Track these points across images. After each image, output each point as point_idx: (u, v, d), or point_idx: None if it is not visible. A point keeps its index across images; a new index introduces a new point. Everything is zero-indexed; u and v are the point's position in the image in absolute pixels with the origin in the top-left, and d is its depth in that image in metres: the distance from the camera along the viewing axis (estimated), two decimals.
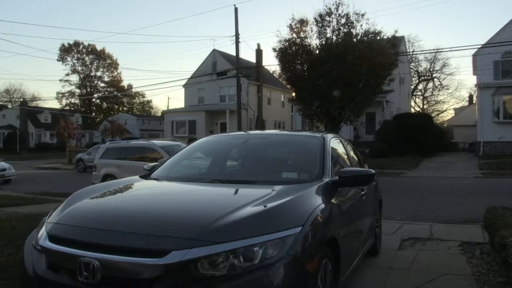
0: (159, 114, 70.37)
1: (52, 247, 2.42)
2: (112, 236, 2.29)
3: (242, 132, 5.38)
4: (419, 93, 55.32)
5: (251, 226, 2.26)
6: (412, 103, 49.25)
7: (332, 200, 3.01)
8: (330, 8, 19.23)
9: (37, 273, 2.41)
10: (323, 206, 2.74)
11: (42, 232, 2.61)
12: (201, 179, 3.58)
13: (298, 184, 3.11)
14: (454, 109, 51.34)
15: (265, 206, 2.49)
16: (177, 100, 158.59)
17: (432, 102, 56.43)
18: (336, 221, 2.91)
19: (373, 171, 3.53)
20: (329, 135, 4.07)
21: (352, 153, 4.72)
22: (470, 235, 6.14)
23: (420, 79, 53.98)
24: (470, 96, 47.26)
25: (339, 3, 19.12)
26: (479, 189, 12.28)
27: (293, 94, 23.38)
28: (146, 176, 3.81)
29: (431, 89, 55.69)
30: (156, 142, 13.01)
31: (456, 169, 18.72)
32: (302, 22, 19.98)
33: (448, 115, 53.94)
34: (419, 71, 53.06)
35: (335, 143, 4.08)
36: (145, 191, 3.36)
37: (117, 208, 2.83)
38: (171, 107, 57.99)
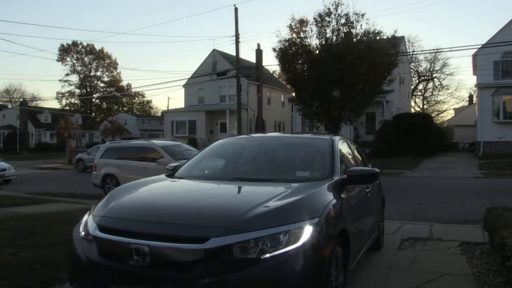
0: (159, 114, 70.35)
1: (103, 237, 2.76)
2: (159, 226, 2.66)
3: (256, 135, 5.77)
4: (419, 93, 55.35)
5: (276, 217, 2.66)
6: (412, 103, 49.29)
7: (342, 196, 3.36)
8: (329, 8, 19.21)
9: (90, 259, 2.75)
10: (335, 201, 3.11)
11: (91, 224, 2.92)
12: (223, 178, 3.90)
13: (311, 182, 3.46)
14: (454, 109, 51.33)
15: (286, 201, 2.87)
16: (177, 100, 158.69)
17: (432, 102, 56.47)
18: (345, 215, 3.28)
19: (378, 170, 3.91)
20: (337, 137, 4.41)
21: (356, 153, 5.02)
22: (470, 235, 6.15)
23: (420, 79, 53.98)
24: (470, 96, 47.25)
25: (338, 3, 19.09)
26: (479, 189, 12.28)
27: (293, 94, 23.36)
28: (171, 175, 4.16)
29: (431, 89, 55.74)
30: (156, 142, 13.01)
31: (456, 169, 18.73)
32: (302, 22, 19.96)
33: (448, 115, 54.00)
34: (419, 71, 53.10)
35: (342, 144, 4.40)
36: (177, 188, 3.74)
37: (158, 202, 3.26)
38: (171, 107, 58.04)
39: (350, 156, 4.61)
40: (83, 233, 2.98)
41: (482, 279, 4.23)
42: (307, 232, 2.61)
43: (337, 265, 2.96)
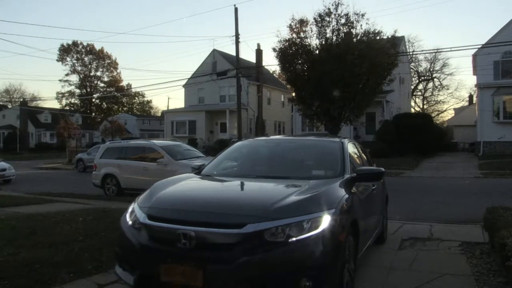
0: (159, 114, 70.35)
1: (153, 224, 3.21)
2: (202, 215, 3.15)
3: (273, 137, 6.35)
4: (419, 93, 55.32)
5: (300, 208, 3.14)
6: (412, 103, 49.26)
7: (352, 192, 3.83)
8: (329, 8, 19.21)
9: (141, 243, 3.19)
10: (347, 196, 3.59)
11: (140, 214, 3.37)
12: (247, 175, 4.30)
13: (325, 179, 3.93)
14: (454, 109, 51.30)
15: (307, 195, 3.37)
16: (177, 100, 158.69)
17: (432, 102, 56.43)
18: (356, 208, 3.75)
19: (383, 169, 4.44)
20: (346, 140, 4.91)
21: (362, 154, 5.48)
22: (470, 235, 6.15)
23: (420, 79, 53.95)
24: (470, 96, 47.24)
25: (338, 3, 19.09)
26: (479, 189, 12.28)
27: (293, 94, 23.36)
28: (198, 173, 4.63)
29: (431, 89, 55.69)
30: (156, 142, 13.00)
31: (456, 169, 18.72)
32: (302, 22, 19.95)
33: (448, 115, 53.96)
34: (419, 71, 53.06)
35: (351, 146, 4.89)
36: (211, 184, 4.29)
37: (198, 195, 3.81)
38: (171, 107, 58.06)
39: (357, 156, 5.09)
40: (130, 222, 3.44)
41: (482, 279, 4.23)
42: (326, 220, 3.07)
43: (349, 252, 3.42)
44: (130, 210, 3.61)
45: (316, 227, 3.01)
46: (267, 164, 4.65)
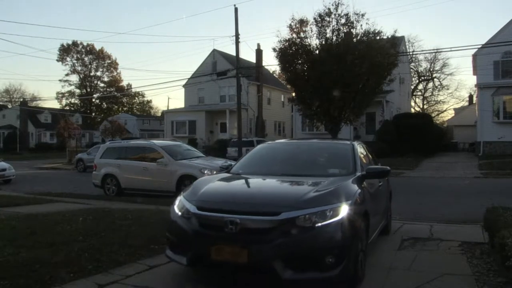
0: (159, 114, 70.33)
1: (203, 214, 3.87)
2: (244, 206, 3.82)
3: (291, 141, 6.92)
4: (419, 93, 55.31)
5: (323, 200, 3.82)
6: (412, 103, 49.24)
7: (363, 187, 4.47)
8: (329, 8, 19.20)
9: (192, 229, 3.85)
10: (359, 190, 4.24)
11: (189, 206, 4.02)
12: (273, 173, 4.92)
13: (340, 176, 4.61)
14: (454, 109, 51.32)
15: (328, 189, 4.07)
16: (177, 100, 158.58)
17: (432, 102, 56.43)
18: (367, 201, 4.36)
19: (389, 168, 5.01)
20: (356, 142, 5.64)
21: (368, 154, 6.06)
22: (470, 235, 6.15)
23: (420, 79, 53.94)
24: (470, 96, 47.24)
25: (338, 3, 19.07)
26: (479, 189, 12.28)
27: (293, 94, 23.35)
28: (228, 172, 5.26)
29: (431, 89, 55.69)
30: (156, 142, 13.00)
31: (456, 169, 18.73)
32: (302, 22, 19.94)
33: (448, 115, 53.97)
34: (419, 71, 53.05)
35: (359, 148, 5.55)
36: (244, 181, 4.83)
37: (237, 190, 4.54)
38: (171, 107, 58.07)
39: (365, 156, 5.69)
40: (180, 213, 4.10)
41: (482, 279, 4.22)
42: (344, 210, 3.74)
43: (362, 236, 4.05)
44: (177, 203, 4.26)
45: (337, 215, 3.68)
46: (290, 163, 5.26)
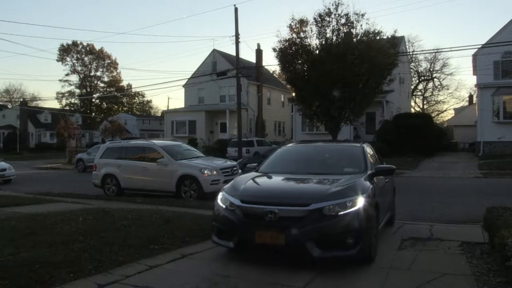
0: (159, 114, 70.33)
1: (246, 206, 4.70)
2: (281, 199, 4.69)
3: (309, 144, 7.68)
4: (419, 93, 55.26)
5: (344, 193, 4.67)
6: (412, 103, 49.19)
7: (373, 182, 5.27)
8: (329, 8, 19.19)
9: (238, 219, 4.68)
10: (371, 186, 5.09)
11: (233, 200, 4.83)
12: (298, 172, 5.74)
13: (355, 174, 5.43)
14: (454, 109, 51.27)
15: (347, 184, 4.91)
16: (177, 100, 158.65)
17: (432, 102, 56.38)
18: (377, 194, 5.19)
19: (394, 166, 5.99)
20: (365, 144, 6.59)
21: (375, 154, 6.88)
22: (470, 235, 6.15)
23: (420, 79, 53.90)
24: (470, 96, 47.20)
25: (338, 3, 19.07)
26: (479, 189, 12.28)
27: (293, 94, 23.35)
28: (256, 171, 6.02)
29: (431, 89, 55.63)
30: (156, 142, 13.00)
31: (456, 169, 18.72)
32: (302, 22, 19.93)
33: (448, 115, 53.92)
34: (419, 71, 52.99)
35: (368, 149, 6.45)
36: (275, 178, 5.64)
37: (273, 186, 5.44)
38: (171, 107, 58.06)
39: (372, 156, 6.50)
40: (224, 205, 4.91)
41: (482, 279, 4.22)
42: (360, 201, 4.57)
43: (374, 223, 4.86)
44: (220, 197, 5.10)
45: (355, 205, 4.51)
46: (311, 163, 6.10)
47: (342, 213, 4.41)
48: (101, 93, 69.87)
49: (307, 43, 19.80)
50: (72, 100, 70.53)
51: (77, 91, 69.28)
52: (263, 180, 5.54)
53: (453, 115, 48.14)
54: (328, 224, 4.37)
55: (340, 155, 6.35)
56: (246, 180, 5.39)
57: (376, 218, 4.98)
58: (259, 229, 4.45)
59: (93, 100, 70.26)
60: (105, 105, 73.04)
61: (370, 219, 4.61)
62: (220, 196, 5.11)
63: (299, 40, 19.82)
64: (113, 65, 70.28)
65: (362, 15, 19.25)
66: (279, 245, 4.40)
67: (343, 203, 4.46)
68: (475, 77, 26.68)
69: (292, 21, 19.93)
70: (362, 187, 4.84)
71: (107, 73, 70.59)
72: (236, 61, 24.39)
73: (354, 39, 19.15)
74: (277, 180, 5.58)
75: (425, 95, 55.86)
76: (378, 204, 5.04)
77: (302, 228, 4.34)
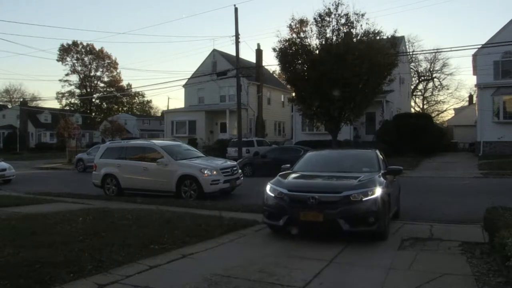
0: (159, 114, 70.29)
1: (292, 193, 6.14)
2: (319, 189, 6.19)
3: (332, 150, 9.77)
4: (419, 93, 55.21)
5: (366, 185, 6.06)
6: (412, 103, 49.15)
7: (387, 179, 6.69)
8: (329, 8, 19.19)
9: (286, 203, 6.10)
10: (385, 181, 6.46)
11: (281, 189, 6.26)
12: (327, 171, 7.17)
13: (371, 172, 6.77)
14: (454, 109, 51.26)
15: (367, 179, 6.30)
16: (177, 100, 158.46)
17: (432, 102, 56.32)
18: (389, 188, 6.53)
19: (401, 167, 7.70)
20: (377, 150, 8.08)
21: (383, 158, 8.03)
22: (470, 235, 6.15)
23: (420, 79, 53.86)
24: (470, 96, 47.19)
25: (338, 3, 19.07)
26: (479, 189, 12.28)
27: (293, 94, 23.33)
28: (292, 171, 7.46)
29: (431, 89, 55.56)
30: (156, 142, 13.01)
31: (456, 169, 18.71)
32: (302, 22, 19.93)
33: (448, 115, 53.87)
34: (419, 71, 52.95)
35: (379, 154, 7.85)
36: (311, 174, 7.15)
37: (312, 180, 6.85)
38: (171, 107, 58.06)
39: (382, 159, 7.76)
40: (273, 194, 6.32)
41: (482, 279, 4.22)
42: (378, 191, 5.96)
43: (387, 210, 6.17)
44: (268, 188, 6.50)
45: (374, 194, 5.89)
46: (337, 164, 7.59)
47: (365, 199, 5.80)
48: (101, 93, 69.82)
49: (307, 43, 19.80)
50: (72, 100, 70.56)
51: (77, 91, 69.27)
52: (301, 176, 7.08)
53: (453, 115, 48.13)
54: (355, 207, 5.76)
55: (358, 158, 7.88)
56: (288, 176, 6.91)
57: (389, 205, 6.35)
58: (303, 210, 5.86)
59: (93, 100, 70.23)
60: (105, 105, 73.03)
61: (385, 205, 5.99)
62: (268, 187, 6.51)
63: (299, 40, 19.82)
64: (113, 65, 70.28)
65: (362, 15, 19.27)
66: (318, 222, 5.78)
67: (365, 191, 5.86)
68: (475, 77, 26.68)
69: (292, 21, 19.95)
70: (379, 181, 6.22)
71: (107, 73, 70.60)
72: (236, 61, 24.39)
73: (354, 39, 19.14)
74: (312, 176, 7.07)
75: (425, 95, 55.85)
76: (390, 194, 6.46)
77: (335, 209, 5.72)
